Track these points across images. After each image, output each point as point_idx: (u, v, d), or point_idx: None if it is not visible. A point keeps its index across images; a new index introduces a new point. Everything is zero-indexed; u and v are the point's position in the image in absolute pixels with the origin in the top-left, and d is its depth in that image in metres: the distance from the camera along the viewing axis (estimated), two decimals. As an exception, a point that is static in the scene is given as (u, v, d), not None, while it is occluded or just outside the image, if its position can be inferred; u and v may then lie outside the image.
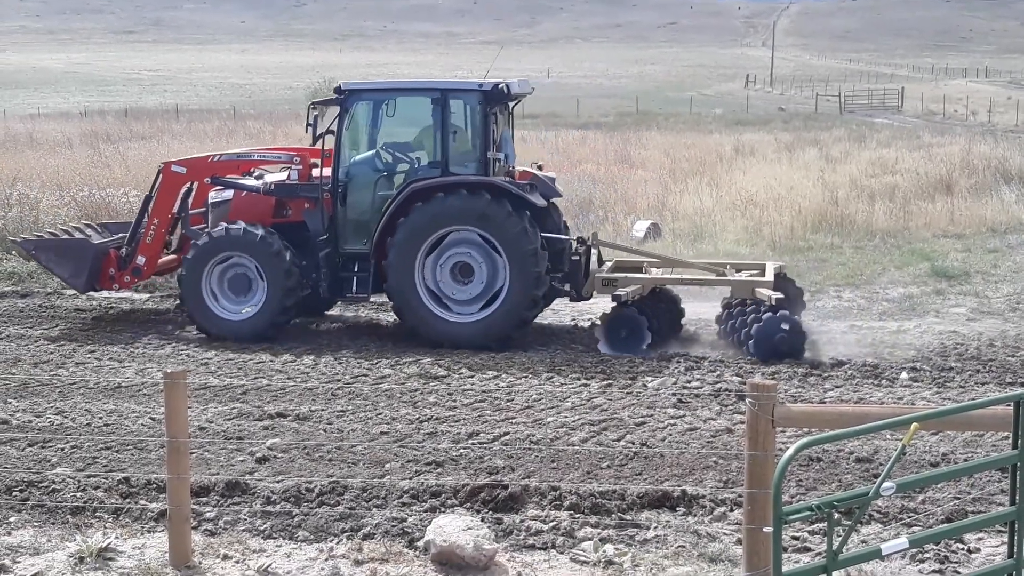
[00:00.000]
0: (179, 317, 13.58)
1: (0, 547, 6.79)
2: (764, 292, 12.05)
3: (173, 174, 13.48)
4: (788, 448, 4.18)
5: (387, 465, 8.25)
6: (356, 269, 12.58)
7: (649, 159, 30.25)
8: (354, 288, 12.57)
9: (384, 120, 12.97)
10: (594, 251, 13.19)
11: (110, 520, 7.22)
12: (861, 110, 68.26)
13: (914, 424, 4.23)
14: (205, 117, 50.14)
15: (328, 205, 12.61)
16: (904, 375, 10.81)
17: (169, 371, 6.41)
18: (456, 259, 12.23)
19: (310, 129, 12.58)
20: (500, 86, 12.29)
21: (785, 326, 11.54)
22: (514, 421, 9.34)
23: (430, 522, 6.88)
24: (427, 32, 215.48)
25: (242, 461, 8.35)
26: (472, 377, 10.87)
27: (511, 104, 13.12)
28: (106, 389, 10.39)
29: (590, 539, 6.86)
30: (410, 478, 7.92)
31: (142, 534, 7.01)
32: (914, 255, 17.56)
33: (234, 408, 9.74)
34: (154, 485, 7.67)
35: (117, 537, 6.88)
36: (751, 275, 12.84)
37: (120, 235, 13.84)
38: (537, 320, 12.99)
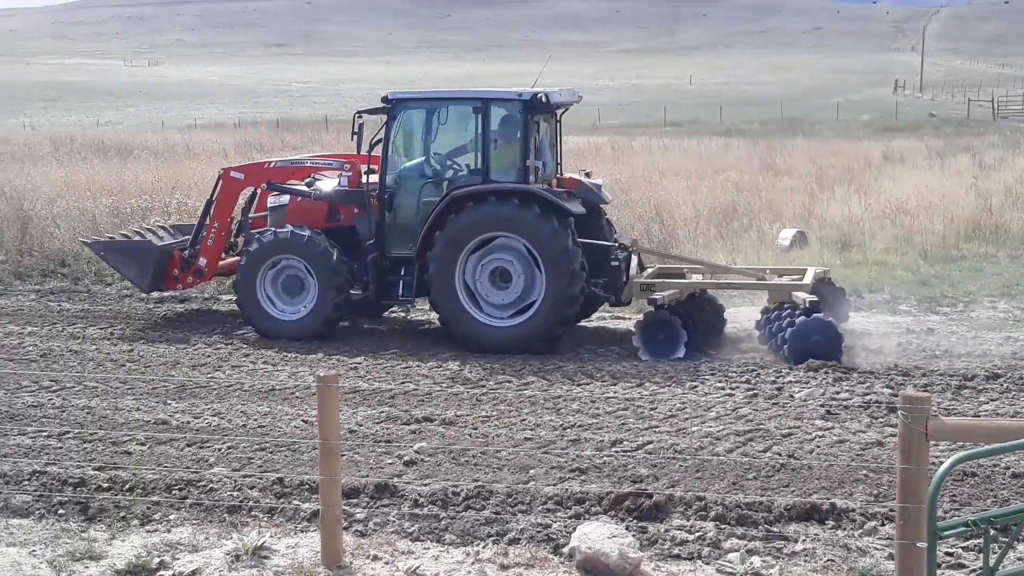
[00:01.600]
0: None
1: (160, 544, 7.06)
2: (799, 295, 12.01)
3: (232, 180, 14.16)
4: (941, 462, 4.09)
5: (531, 471, 8.31)
6: (403, 273, 13.03)
7: (795, 166, 29.77)
8: (400, 292, 13.04)
9: (429, 128, 13.34)
10: (635, 257, 13.28)
11: (265, 519, 7.44)
12: (1015, 116, 65.90)
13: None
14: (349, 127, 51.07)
15: (376, 211, 13.05)
16: (1064, 389, 10.43)
17: (322, 375, 6.58)
18: (495, 264, 12.52)
19: (355, 137, 12.89)
20: (539, 95, 12.51)
21: (819, 329, 11.51)
22: (658, 430, 9.31)
23: (575, 529, 6.91)
24: (569, 41, 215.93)
25: (390, 464, 8.52)
26: (615, 385, 10.87)
27: (558, 113, 13.51)
28: (261, 392, 10.71)
29: (736, 550, 6.80)
30: (554, 484, 7.96)
31: (295, 533, 7.21)
32: (1074, 265, 16.92)
33: (382, 412, 9.94)
34: (307, 486, 7.87)
35: (271, 536, 7.10)
36: (791, 279, 12.80)
37: (184, 238, 14.44)
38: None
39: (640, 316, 12.48)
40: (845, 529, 7.18)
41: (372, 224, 13.08)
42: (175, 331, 13.46)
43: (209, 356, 12.17)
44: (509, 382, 11.03)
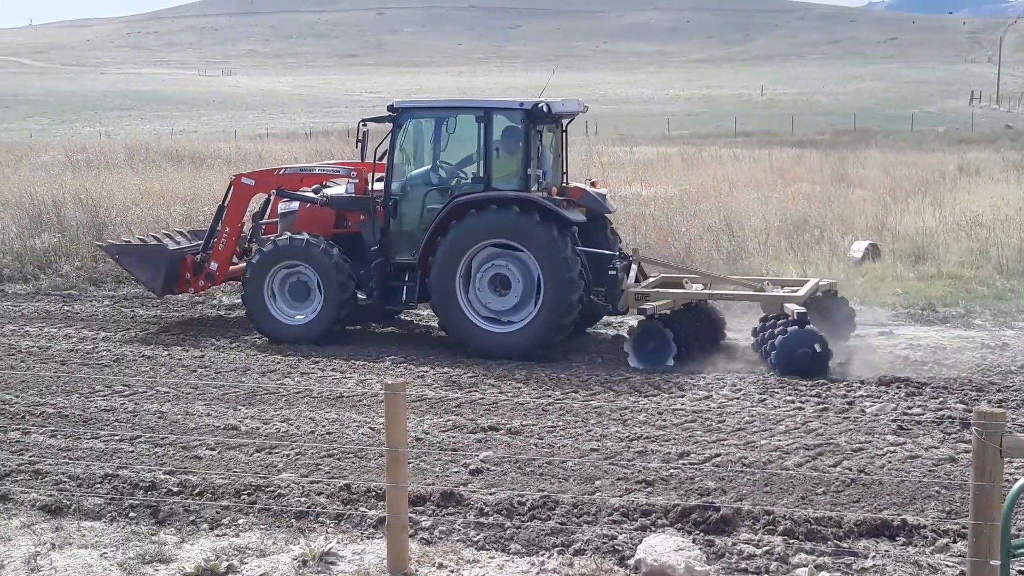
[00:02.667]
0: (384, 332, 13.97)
1: (229, 548, 7.13)
2: (790, 307, 11.99)
3: (243, 186, 14.52)
4: (1016, 479, 4.00)
5: (597, 482, 8.28)
6: (406, 279, 13.26)
7: (867, 178, 29.42)
8: (403, 297, 13.28)
9: (433, 137, 13.57)
10: (634, 266, 13.30)
11: (332, 525, 7.49)
12: (1097, 127, 64.57)
13: None
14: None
15: (381, 217, 13.28)
16: None
17: (389, 382, 6.61)
18: (494, 271, 12.72)
19: (359, 145, 13.29)
20: (540, 105, 12.67)
21: (807, 340, 11.51)
22: (725, 443, 9.23)
23: (641, 541, 6.88)
24: (639, 51, 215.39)
25: (456, 472, 8.53)
26: (682, 396, 10.80)
27: (564, 123, 13.70)
28: (329, 398, 10.79)
29: (804, 565, 6.72)
30: (620, 496, 7.93)
31: (362, 540, 7.25)
32: None
33: (449, 420, 9.96)
34: (373, 493, 7.91)
35: (338, 542, 7.14)
36: (787, 291, 12.79)
37: (198, 242, 14.74)
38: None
39: (632, 325, 12.60)
40: (916, 546, 7.07)
41: (376, 230, 13.36)
42: (245, 338, 13.60)
43: (278, 363, 12.29)
44: (575, 392, 11.00)
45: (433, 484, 8.16)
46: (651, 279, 13.49)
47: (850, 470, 8.48)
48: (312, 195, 13.89)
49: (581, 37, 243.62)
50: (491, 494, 7.93)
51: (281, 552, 7.04)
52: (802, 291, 12.65)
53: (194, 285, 14.61)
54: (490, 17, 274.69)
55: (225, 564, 6.82)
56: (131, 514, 7.73)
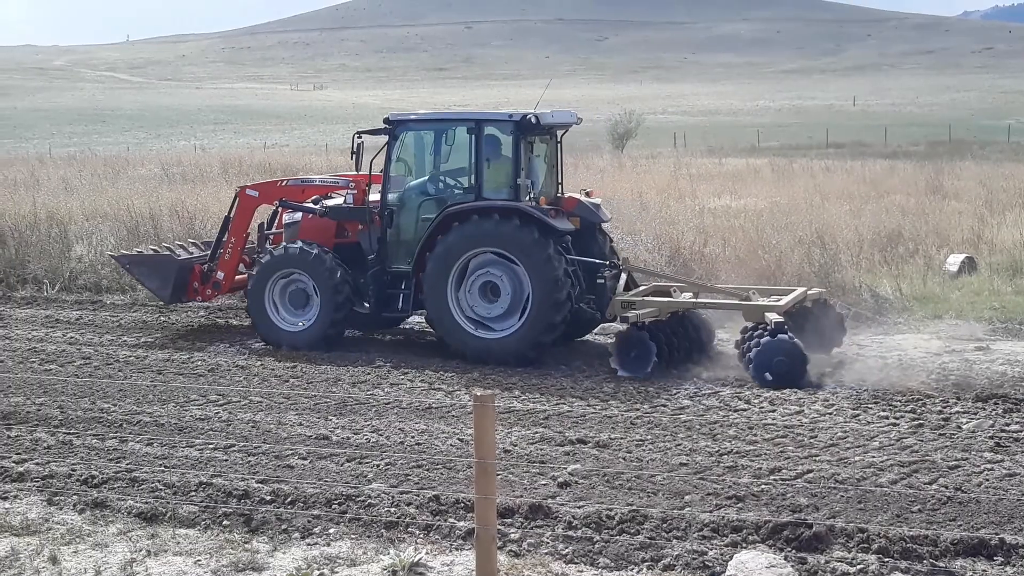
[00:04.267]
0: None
1: (320, 557, 7.21)
2: (769, 316, 12.11)
3: (248, 197, 15.01)
4: None
5: (687, 497, 8.21)
6: (402, 287, 13.65)
7: (963, 189, 28.84)
8: (400, 305, 13.69)
9: (427, 148, 14.08)
10: (624, 275, 13.46)
11: (421, 536, 7.53)
12: None
13: None
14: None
15: (378, 227, 13.70)
16: None
17: (478, 394, 6.63)
18: (485, 279, 13.06)
19: (354, 157, 13.58)
20: (529, 117, 13.00)
21: (783, 349, 11.61)
22: (818, 459, 9.10)
23: (731, 557, 6.82)
24: (727, 63, 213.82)
25: (544, 485, 8.53)
26: (774, 411, 10.67)
27: (558, 134, 14.08)
28: (418, 409, 10.86)
29: (899, 585, 6.60)
30: (710, 511, 7.85)
31: (451, 551, 7.28)
32: None
33: (537, 432, 9.96)
34: (462, 504, 7.94)
35: (427, 553, 7.18)
36: (770, 300, 12.87)
37: (207, 253, 15.20)
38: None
39: (616, 334, 12.78)
40: (1015, 566, 6.90)
41: (373, 240, 13.78)
42: (337, 350, 13.73)
43: (368, 374, 12.40)
44: (664, 406, 10.93)
45: (521, 496, 8.16)
46: (641, 288, 13.70)
47: (946, 488, 8.31)
48: (312, 206, 14.34)
49: (668, 48, 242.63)
50: (579, 507, 7.91)
51: (371, 562, 7.10)
52: (784, 300, 12.72)
53: (201, 294, 15.15)
54: (577, 29, 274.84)
55: (316, 573, 6.90)
56: (224, 522, 7.85)
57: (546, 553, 7.21)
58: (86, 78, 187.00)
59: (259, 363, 12.95)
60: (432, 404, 11.02)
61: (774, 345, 11.69)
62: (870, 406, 10.75)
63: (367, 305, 13.82)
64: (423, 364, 12.82)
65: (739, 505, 8.01)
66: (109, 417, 10.59)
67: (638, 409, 10.78)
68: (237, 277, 15.04)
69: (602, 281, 13.30)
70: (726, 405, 10.92)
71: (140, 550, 7.35)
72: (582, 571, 6.96)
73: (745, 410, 10.75)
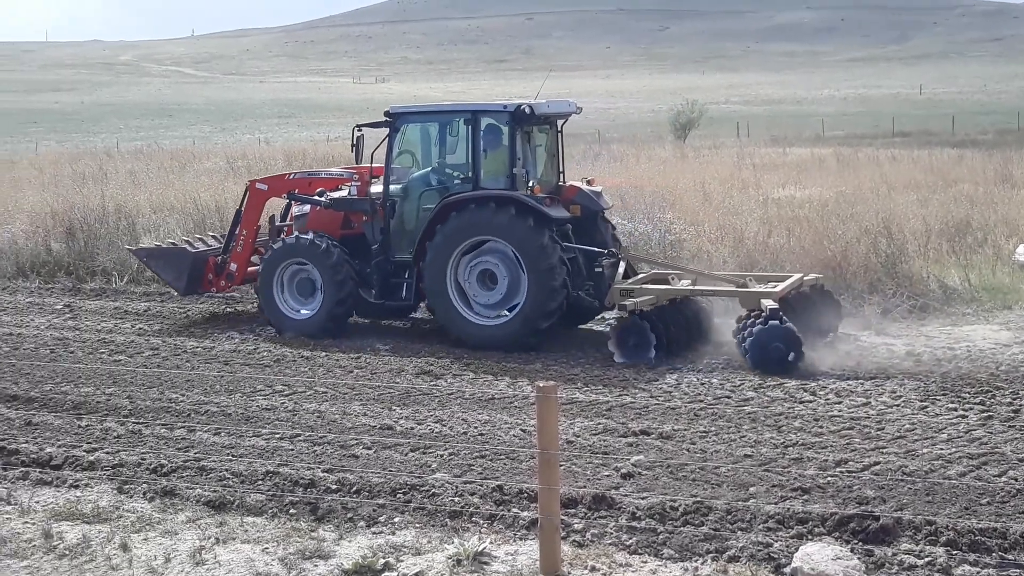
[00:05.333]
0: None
1: (385, 545, 7.26)
2: (765, 302, 12.21)
3: (257, 191, 15.47)
4: None
5: (751, 488, 8.16)
6: (405, 276, 13.96)
7: (1034, 178, 28.29)
8: (403, 294, 13.97)
9: (426, 139, 14.44)
10: (623, 263, 13.68)
11: (485, 525, 7.56)
12: None
13: None
14: (571, 142, 51.08)
15: (381, 217, 14.04)
16: None
17: (541, 385, 6.64)
18: (483, 267, 13.33)
19: (354, 149, 14.19)
20: (523, 107, 13.28)
21: (778, 335, 11.70)
22: (885, 451, 8.99)
23: (797, 549, 6.77)
24: (791, 51, 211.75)
25: (607, 476, 8.52)
26: (840, 403, 10.57)
27: (559, 123, 14.40)
28: (481, 400, 10.90)
29: (969, 578, 6.51)
30: (775, 503, 7.80)
31: (514, 541, 7.30)
32: None
33: (599, 423, 9.96)
34: (525, 494, 7.96)
35: (491, 542, 7.20)
36: (767, 287, 12.94)
37: (220, 245, 15.77)
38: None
39: (614, 322, 12.89)
40: (1088, 560, 6.77)
41: (376, 230, 14.13)
42: (400, 341, 13.81)
43: (432, 364, 12.46)
44: (728, 397, 10.87)
45: (584, 487, 8.16)
46: (640, 275, 13.87)
47: (1016, 480, 8.18)
48: (318, 198, 14.66)
49: (731, 38, 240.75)
50: (643, 498, 7.89)
51: (436, 551, 7.13)
52: (780, 287, 12.79)
53: (216, 285, 15.56)
54: (638, 20, 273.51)
55: (382, 562, 6.95)
56: (291, 511, 7.93)
57: (610, 544, 7.20)
58: (152, 73, 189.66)
59: (324, 354, 13.05)
60: (495, 395, 11.05)
61: (769, 331, 11.76)
62: (938, 398, 10.61)
63: (374, 293, 14.16)
64: (485, 355, 12.85)
65: (805, 497, 7.95)
66: (177, 407, 10.75)
67: (701, 401, 10.74)
68: (250, 268, 15.42)
69: (599, 269, 13.53)
70: (791, 397, 10.83)
71: (209, 537, 7.45)
72: (646, 562, 6.94)
73: (811, 402, 10.66)
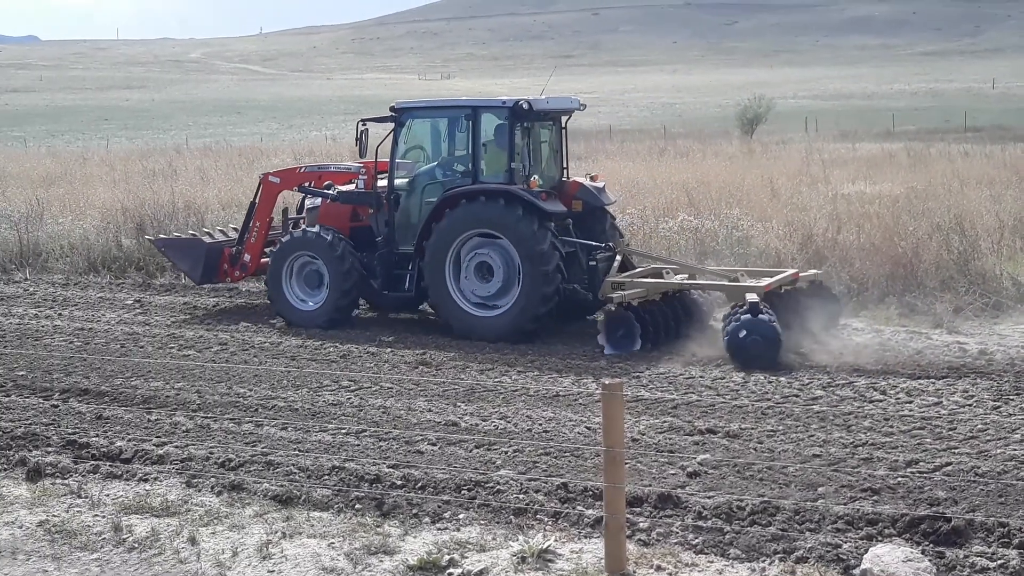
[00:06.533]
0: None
1: (450, 542, 7.26)
2: (749, 296, 12.30)
3: (270, 183, 15.98)
4: None
5: (820, 488, 8.06)
6: (409, 268, 14.22)
7: (1111, 174, 27.63)
8: (406, 285, 14.23)
9: (430, 134, 14.82)
10: (619, 257, 13.92)
11: (549, 523, 7.54)
12: None
13: None
14: (637, 137, 51.15)
15: (386, 210, 14.36)
16: None
17: (607, 382, 6.60)
18: (479, 259, 13.61)
19: (358, 143, 14.63)
20: (521, 103, 13.51)
21: (758, 329, 11.81)
22: (957, 451, 8.84)
23: (866, 550, 6.67)
24: (862, 45, 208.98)
25: (673, 475, 8.46)
26: (910, 403, 10.40)
27: (563, 119, 14.61)
28: (545, 397, 10.87)
29: (1044, 583, 6.37)
30: (844, 504, 7.69)
31: (579, 539, 7.27)
32: None
33: (665, 422, 9.89)
34: (590, 492, 7.92)
35: (556, 540, 7.18)
36: (753, 282, 13.16)
37: (234, 237, 16.26)
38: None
39: (603, 313, 12.97)
40: None
41: (381, 223, 14.46)
42: (466, 336, 13.82)
43: (496, 361, 12.47)
44: (796, 396, 10.75)
45: (650, 486, 8.11)
46: (637, 269, 14.10)
47: (1094, 483, 8.00)
48: (326, 192, 15.13)
49: (800, 32, 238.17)
50: (709, 498, 7.82)
51: (500, 548, 7.13)
52: (766, 281, 13.00)
53: (231, 275, 16.15)
54: (707, 14, 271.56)
55: (447, 558, 6.95)
56: (357, 506, 7.97)
57: (675, 543, 7.15)
58: (220, 70, 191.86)
59: (389, 350, 13.11)
60: (559, 392, 11.03)
61: (749, 325, 11.85)
62: (1011, 397, 10.41)
63: (378, 284, 14.44)
64: (550, 352, 12.83)
65: (874, 498, 7.83)
66: (245, 402, 10.85)
67: (769, 399, 10.62)
68: (263, 260, 15.73)
69: (593, 263, 13.83)
70: (861, 396, 10.68)
71: (276, 532, 7.51)
72: (712, 561, 6.88)
73: (881, 401, 10.51)
